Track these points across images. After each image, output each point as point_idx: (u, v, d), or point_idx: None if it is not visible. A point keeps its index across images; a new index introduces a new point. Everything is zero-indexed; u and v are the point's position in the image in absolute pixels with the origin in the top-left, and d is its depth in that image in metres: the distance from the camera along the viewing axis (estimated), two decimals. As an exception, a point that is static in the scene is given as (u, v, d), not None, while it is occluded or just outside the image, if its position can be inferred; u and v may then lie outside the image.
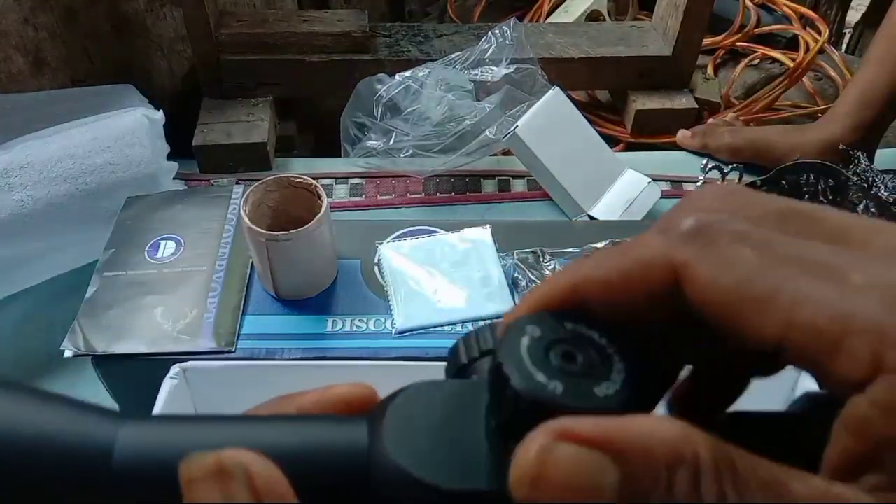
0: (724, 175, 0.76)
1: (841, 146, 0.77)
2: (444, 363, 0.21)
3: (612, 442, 0.14)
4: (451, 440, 0.17)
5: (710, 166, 0.77)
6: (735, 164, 0.78)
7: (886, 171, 0.75)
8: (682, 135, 0.89)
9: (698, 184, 0.78)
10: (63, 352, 0.54)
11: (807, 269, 0.15)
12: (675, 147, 0.90)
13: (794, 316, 0.14)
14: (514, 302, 0.63)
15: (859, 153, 0.76)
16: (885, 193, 0.73)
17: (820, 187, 0.75)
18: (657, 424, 0.14)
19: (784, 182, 0.75)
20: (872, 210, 0.71)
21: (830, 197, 0.74)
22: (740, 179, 0.77)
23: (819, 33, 1.06)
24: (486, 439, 0.17)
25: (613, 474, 0.14)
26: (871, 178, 0.75)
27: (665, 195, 0.81)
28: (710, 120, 0.94)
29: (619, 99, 0.99)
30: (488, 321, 0.18)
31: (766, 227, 0.16)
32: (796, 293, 0.14)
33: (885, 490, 0.14)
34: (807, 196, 0.74)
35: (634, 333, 0.17)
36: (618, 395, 0.16)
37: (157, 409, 0.46)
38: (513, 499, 0.14)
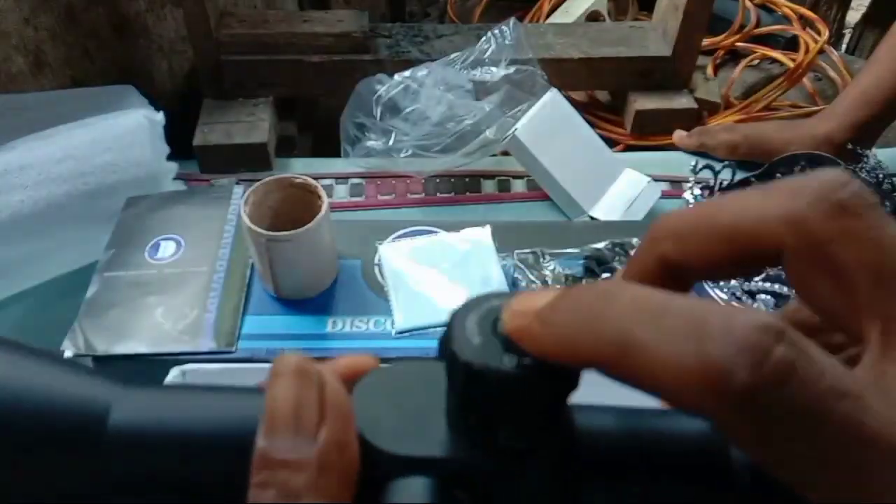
0: (716, 174, 0.76)
1: (849, 145, 0.78)
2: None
3: None
4: (409, 413, 0.18)
5: (700, 166, 0.77)
6: (727, 163, 0.77)
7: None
8: (678, 135, 0.89)
9: (689, 185, 0.78)
10: (63, 352, 0.54)
11: None
12: (674, 147, 0.90)
13: None
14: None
15: (867, 151, 0.76)
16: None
17: None
18: None
19: (778, 175, 0.75)
20: (886, 205, 0.71)
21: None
22: (733, 177, 0.76)
23: (819, 34, 1.06)
24: (445, 411, 0.18)
25: None
26: (880, 176, 0.75)
27: (665, 195, 0.81)
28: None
29: (618, 99, 0.99)
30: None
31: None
32: None
33: None
34: None
35: None
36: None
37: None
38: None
